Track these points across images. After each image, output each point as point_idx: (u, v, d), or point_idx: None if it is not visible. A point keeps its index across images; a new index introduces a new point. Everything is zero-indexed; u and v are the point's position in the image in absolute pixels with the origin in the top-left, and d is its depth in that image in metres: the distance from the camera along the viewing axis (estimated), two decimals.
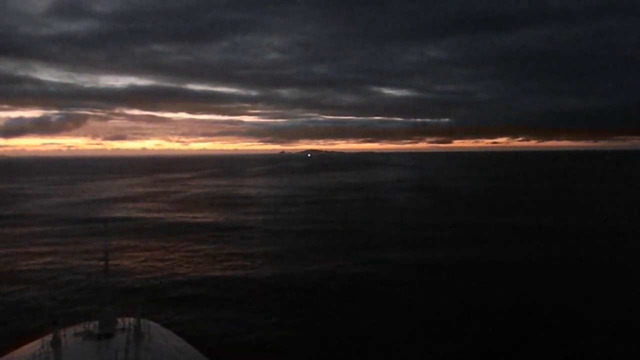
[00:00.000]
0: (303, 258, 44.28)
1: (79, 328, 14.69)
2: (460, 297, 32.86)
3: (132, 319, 14.80)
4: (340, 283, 36.17)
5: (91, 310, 15.01)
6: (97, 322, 14.47)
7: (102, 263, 17.40)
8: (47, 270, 41.21)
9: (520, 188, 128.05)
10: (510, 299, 32.18)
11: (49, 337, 13.63)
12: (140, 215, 74.74)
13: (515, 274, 38.67)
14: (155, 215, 75.32)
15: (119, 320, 14.94)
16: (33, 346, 13.82)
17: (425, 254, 46.16)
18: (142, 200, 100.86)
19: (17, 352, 13.93)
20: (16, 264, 43.88)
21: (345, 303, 31.66)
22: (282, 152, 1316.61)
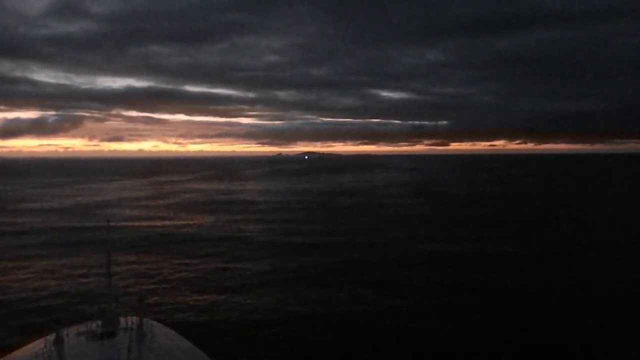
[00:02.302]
0: (301, 279, 40.27)
1: (82, 327, 14.77)
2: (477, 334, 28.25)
3: (134, 318, 14.90)
4: (340, 313, 31.92)
5: (94, 310, 15.04)
6: (100, 322, 14.56)
7: (102, 278, 17.49)
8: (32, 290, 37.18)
9: (527, 193, 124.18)
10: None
11: (52, 336, 13.70)
12: (128, 223, 71.59)
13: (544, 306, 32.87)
14: (144, 223, 72.50)
15: (122, 319, 15.03)
16: (36, 345, 13.89)
17: (434, 273, 41.80)
18: (132, 205, 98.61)
19: (21, 351, 13.99)
20: None
21: (344, 340, 27.76)
22: (280, 154, 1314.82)
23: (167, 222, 73.65)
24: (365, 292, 36.37)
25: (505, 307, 32.88)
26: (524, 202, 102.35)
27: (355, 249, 52.58)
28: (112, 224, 69.32)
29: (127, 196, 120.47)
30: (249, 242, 57.60)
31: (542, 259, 47.50)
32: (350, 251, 51.29)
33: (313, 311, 32.19)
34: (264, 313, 31.82)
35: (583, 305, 33.23)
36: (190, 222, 73.60)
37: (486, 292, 36.26)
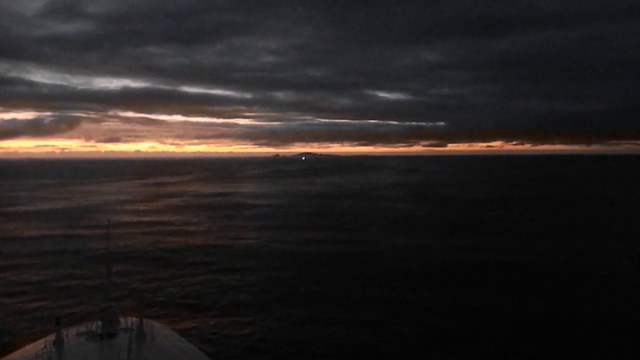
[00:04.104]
0: (296, 295, 37.16)
1: (82, 328, 14.76)
2: None
3: (135, 319, 14.90)
4: (339, 338, 29.16)
5: (94, 310, 15.00)
6: (99, 322, 14.55)
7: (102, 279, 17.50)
8: None
9: (535, 196, 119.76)
10: None
11: (51, 337, 13.69)
12: (120, 230, 67.64)
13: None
14: (138, 230, 69.49)
15: (122, 320, 15.02)
16: (36, 346, 13.85)
17: (443, 290, 38.17)
18: (125, 209, 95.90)
19: (20, 352, 13.96)
20: None
21: None
22: (277, 155, 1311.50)
23: (160, 228, 71.44)
24: (368, 312, 33.40)
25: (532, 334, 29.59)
26: (529, 204, 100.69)
27: (355, 259, 49.37)
28: (100, 230, 65.28)
29: (121, 199, 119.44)
30: (242, 250, 54.99)
31: (559, 272, 44.10)
32: (349, 262, 48.14)
33: (307, 336, 29.47)
34: (253, 335, 29.48)
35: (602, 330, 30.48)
36: (183, 228, 71.45)
37: (498, 313, 32.87)
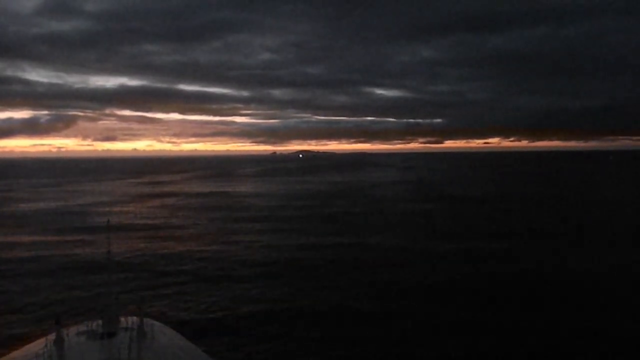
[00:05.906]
0: (289, 319, 33.23)
1: (83, 327, 14.79)
2: None
3: (135, 318, 14.93)
4: None
5: (95, 310, 15.03)
6: (100, 321, 14.58)
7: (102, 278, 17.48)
8: None
9: (550, 195, 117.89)
10: None
11: (52, 336, 13.72)
12: (111, 232, 62.35)
13: None
14: (128, 232, 66.94)
15: (122, 319, 15.05)
16: (37, 345, 13.89)
17: (450, 308, 34.62)
18: (120, 210, 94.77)
19: (21, 351, 14.00)
20: None
21: None
22: (274, 152, 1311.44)
23: (156, 231, 69.65)
24: (366, 328, 31.03)
25: None
26: (531, 204, 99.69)
27: (353, 266, 46.34)
28: (96, 232, 63.37)
29: (118, 199, 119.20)
30: (238, 254, 52.72)
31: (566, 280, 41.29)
32: (348, 270, 44.89)
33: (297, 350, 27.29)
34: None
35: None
36: (179, 230, 69.88)
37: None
